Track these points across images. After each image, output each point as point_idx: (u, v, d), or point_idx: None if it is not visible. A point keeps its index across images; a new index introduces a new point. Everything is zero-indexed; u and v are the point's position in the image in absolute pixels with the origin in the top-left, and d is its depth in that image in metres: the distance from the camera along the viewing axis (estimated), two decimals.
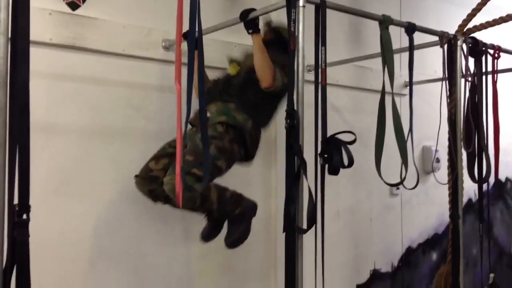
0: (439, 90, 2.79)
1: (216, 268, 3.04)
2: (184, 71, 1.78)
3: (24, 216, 1.43)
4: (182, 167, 1.69)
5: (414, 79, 2.60)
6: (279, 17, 2.65)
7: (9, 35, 1.44)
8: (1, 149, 1.41)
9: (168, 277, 2.86)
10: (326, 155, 2.09)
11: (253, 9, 2.33)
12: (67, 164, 2.50)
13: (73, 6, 2.54)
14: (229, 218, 2.44)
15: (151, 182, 2.40)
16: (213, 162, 2.25)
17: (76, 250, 2.54)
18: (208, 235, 2.50)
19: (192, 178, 2.14)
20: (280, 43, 2.59)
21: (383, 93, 2.39)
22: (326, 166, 2.11)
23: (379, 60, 2.53)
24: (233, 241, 2.44)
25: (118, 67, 2.68)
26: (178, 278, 2.90)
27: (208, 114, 2.42)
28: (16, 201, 1.44)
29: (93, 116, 2.60)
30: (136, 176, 2.44)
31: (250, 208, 2.49)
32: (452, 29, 3.19)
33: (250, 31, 2.36)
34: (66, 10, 2.51)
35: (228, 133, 2.39)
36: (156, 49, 2.78)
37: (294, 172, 2.03)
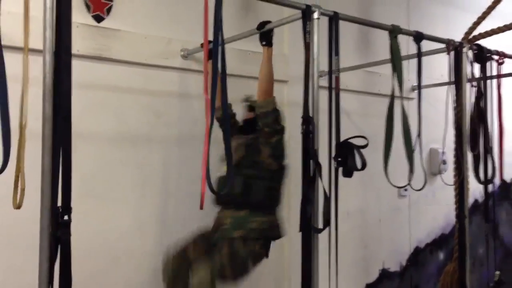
0: (445, 94, 2.91)
1: None
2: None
3: (66, 217, 1.56)
4: (207, 168, 1.81)
5: (421, 83, 2.72)
6: (292, 28, 2.78)
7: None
8: (47, 155, 1.54)
9: None
10: (340, 159, 2.21)
11: (269, 21, 2.47)
12: (94, 169, 2.63)
13: (98, 18, 2.68)
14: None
15: (179, 274, 2.51)
16: (243, 263, 2.44)
17: (103, 249, 2.67)
18: None
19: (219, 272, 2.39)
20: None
21: (392, 98, 2.52)
22: (340, 168, 2.24)
23: (387, 66, 2.66)
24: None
25: (140, 76, 2.82)
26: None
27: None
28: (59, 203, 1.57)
29: (118, 123, 2.74)
30: (173, 256, 2.56)
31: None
32: (460, 33, 3.32)
33: (263, 43, 2.50)
34: (92, 23, 2.65)
35: (246, 245, 2.47)
36: (175, 58, 2.92)
37: (310, 174, 2.16)
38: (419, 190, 2.64)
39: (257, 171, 2.48)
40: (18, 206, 1.48)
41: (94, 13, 2.68)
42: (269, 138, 2.46)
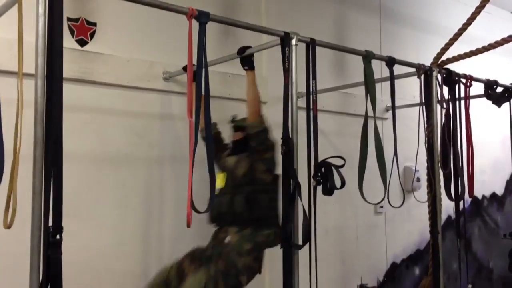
0: (417, 114, 3.05)
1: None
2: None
3: (58, 237, 1.61)
4: (191, 192, 1.87)
5: (395, 104, 2.86)
6: (270, 52, 2.89)
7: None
8: (38, 177, 1.60)
9: None
10: (319, 178, 2.31)
11: (249, 46, 2.57)
12: (76, 189, 2.67)
13: (82, 43, 2.75)
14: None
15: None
16: (237, 276, 2.46)
17: (84, 268, 2.69)
18: None
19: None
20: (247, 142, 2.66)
21: (366, 118, 2.64)
22: (320, 187, 2.33)
23: (362, 87, 2.78)
24: None
25: (123, 98, 2.89)
26: None
27: (227, 240, 2.60)
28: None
29: (100, 143, 2.80)
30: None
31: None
32: (430, 56, 3.47)
33: (246, 67, 2.61)
34: (75, 46, 2.72)
35: (254, 252, 2.53)
36: (157, 81, 3.00)
37: (290, 193, 2.24)
38: (398, 207, 2.75)
39: (255, 186, 2.57)
40: (8, 226, 1.52)
41: (78, 37, 2.75)
42: (263, 155, 2.56)
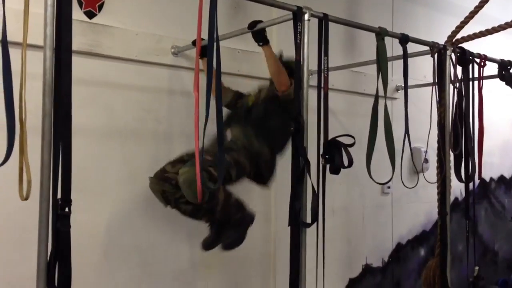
0: (427, 94, 3.00)
1: (219, 261, 3.21)
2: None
3: (66, 209, 1.61)
4: (201, 167, 1.86)
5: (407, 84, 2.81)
6: (280, 28, 2.84)
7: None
8: (47, 150, 1.58)
9: (175, 269, 3.03)
10: (327, 156, 2.28)
11: (260, 21, 2.52)
12: (84, 163, 2.65)
13: (90, 15, 2.71)
14: (229, 221, 2.63)
15: (164, 183, 2.56)
16: (226, 169, 2.46)
17: (91, 242, 2.70)
18: (209, 244, 2.69)
19: (206, 175, 2.33)
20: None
21: (376, 98, 2.59)
22: (328, 166, 2.31)
23: (371, 66, 2.73)
24: (229, 244, 2.68)
25: (131, 72, 2.85)
26: (184, 270, 3.07)
27: (229, 137, 2.66)
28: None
29: (108, 118, 2.77)
30: (151, 177, 2.61)
31: (248, 217, 2.72)
32: (442, 37, 3.41)
33: (260, 43, 2.55)
34: (83, 19, 2.68)
35: (245, 152, 2.61)
36: (166, 55, 2.95)
37: (299, 171, 2.22)
38: (412, 187, 2.73)
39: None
40: (25, 198, 1.52)
41: (86, 9, 2.70)
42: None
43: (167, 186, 2.54)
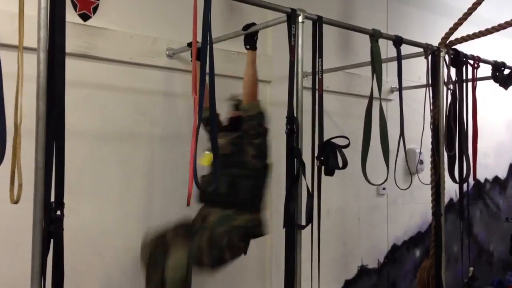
0: (422, 96, 3.01)
1: None
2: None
3: (59, 212, 1.61)
4: (195, 170, 1.85)
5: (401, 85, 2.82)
6: (275, 30, 2.85)
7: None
8: (41, 152, 1.58)
9: None
10: (322, 158, 2.29)
11: (254, 24, 2.53)
12: (78, 165, 2.66)
13: (85, 17, 2.71)
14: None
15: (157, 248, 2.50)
16: (220, 253, 2.44)
17: (86, 244, 2.70)
18: None
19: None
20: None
21: (370, 99, 2.60)
22: (323, 167, 2.31)
23: (366, 68, 2.74)
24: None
25: (125, 74, 2.85)
26: None
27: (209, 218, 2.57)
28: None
29: (102, 120, 2.77)
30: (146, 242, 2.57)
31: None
32: (436, 38, 3.42)
33: (247, 46, 2.56)
34: (78, 21, 2.68)
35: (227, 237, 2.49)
36: (161, 57, 2.96)
37: (294, 173, 2.22)
38: (405, 189, 2.73)
39: (242, 170, 2.52)
40: (15, 201, 1.51)
41: (81, 12, 2.70)
42: (253, 139, 2.52)
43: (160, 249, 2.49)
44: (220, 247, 2.44)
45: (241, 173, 2.51)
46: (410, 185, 2.76)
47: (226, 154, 2.52)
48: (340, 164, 2.30)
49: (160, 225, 2.66)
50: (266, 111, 2.59)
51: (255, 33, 2.54)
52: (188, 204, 2.13)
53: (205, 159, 2.56)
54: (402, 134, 2.72)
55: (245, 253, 2.59)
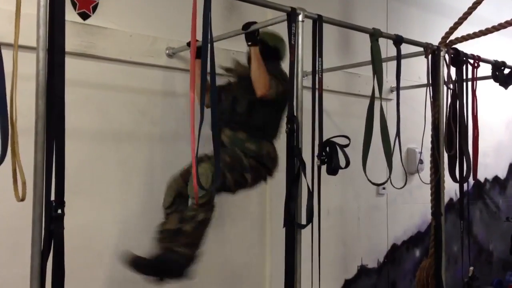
0: (422, 95, 3.01)
1: (214, 264, 3.20)
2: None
3: (60, 211, 1.60)
4: (197, 170, 1.85)
5: (400, 85, 2.82)
6: (274, 30, 2.84)
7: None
8: (40, 151, 1.58)
9: None
10: (324, 157, 2.28)
11: (254, 22, 2.52)
12: (78, 165, 2.65)
13: (84, 16, 2.70)
14: None
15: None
16: (242, 174, 2.57)
17: (85, 245, 2.69)
18: None
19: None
20: (267, 51, 2.70)
21: (372, 99, 2.60)
22: (324, 166, 2.30)
23: (366, 67, 2.73)
24: None
25: (125, 74, 2.85)
26: None
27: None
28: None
29: (102, 120, 2.77)
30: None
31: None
32: (436, 38, 3.42)
33: (249, 43, 2.56)
34: (77, 20, 2.67)
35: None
36: (161, 57, 2.95)
37: (294, 172, 2.22)
38: (400, 188, 2.73)
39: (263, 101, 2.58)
40: (21, 199, 1.51)
41: (80, 11, 2.70)
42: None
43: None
44: (241, 168, 2.55)
45: (267, 112, 2.63)
46: (405, 184, 2.75)
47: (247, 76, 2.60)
48: (343, 164, 2.29)
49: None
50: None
51: (255, 31, 2.53)
52: (197, 204, 2.16)
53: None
54: (398, 134, 2.71)
55: (265, 180, 2.73)
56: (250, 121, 2.65)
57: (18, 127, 1.55)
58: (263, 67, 2.56)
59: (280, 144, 2.53)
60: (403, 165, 2.73)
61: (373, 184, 2.55)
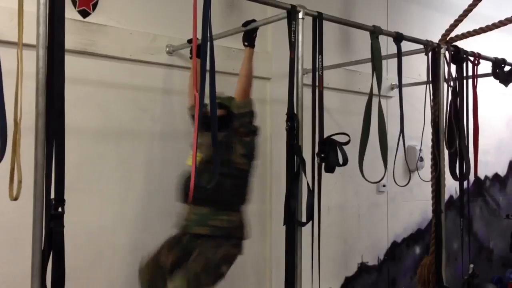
0: (422, 93, 3.01)
1: None
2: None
3: (60, 209, 1.60)
4: (197, 166, 1.85)
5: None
6: (275, 27, 2.84)
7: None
8: (40, 149, 1.58)
9: None
10: (323, 155, 2.28)
11: (254, 20, 2.52)
12: (78, 163, 2.65)
13: (84, 13, 2.70)
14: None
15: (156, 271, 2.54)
16: (217, 271, 2.50)
17: (86, 243, 2.69)
18: None
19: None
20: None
21: (370, 96, 2.60)
22: (323, 164, 2.31)
23: (367, 64, 2.73)
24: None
25: (125, 71, 2.85)
26: None
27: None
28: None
29: (102, 117, 2.77)
30: (142, 267, 2.59)
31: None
32: (436, 35, 3.42)
33: (246, 43, 2.56)
34: (77, 17, 2.67)
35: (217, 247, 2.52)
36: (161, 54, 2.95)
37: (294, 170, 2.22)
38: (404, 186, 2.72)
39: (227, 168, 2.46)
40: (15, 198, 1.51)
41: (80, 8, 2.69)
42: (243, 137, 2.53)
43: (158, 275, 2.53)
44: (216, 266, 2.47)
45: (225, 171, 2.39)
46: (409, 182, 2.75)
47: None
48: (341, 161, 2.29)
49: (162, 231, 2.67)
50: (256, 112, 2.58)
51: (255, 29, 2.53)
52: (190, 201, 2.15)
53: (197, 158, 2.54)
54: (402, 131, 2.71)
55: (240, 253, 2.61)
56: (214, 196, 2.44)
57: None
58: (251, 71, 2.59)
59: (278, 145, 2.52)
60: (407, 163, 2.72)
61: (368, 181, 2.54)
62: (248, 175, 2.62)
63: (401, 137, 2.72)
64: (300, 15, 2.26)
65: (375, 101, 2.61)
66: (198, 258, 2.45)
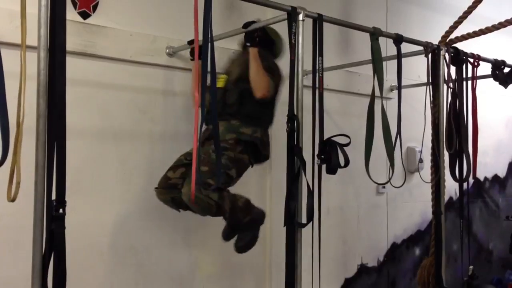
0: (422, 94, 3.01)
1: (215, 262, 3.21)
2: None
3: (61, 211, 1.60)
4: (197, 177, 1.86)
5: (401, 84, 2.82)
6: (277, 30, 2.84)
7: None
8: (41, 150, 1.58)
9: (170, 270, 3.02)
10: (323, 156, 2.29)
11: (254, 22, 2.53)
12: (78, 164, 2.65)
13: (84, 15, 2.70)
14: (239, 225, 2.62)
15: (171, 190, 2.59)
16: (225, 172, 2.47)
17: (86, 244, 2.69)
18: (227, 235, 2.70)
19: (208, 187, 2.35)
20: (264, 40, 2.70)
21: (372, 98, 2.60)
22: (323, 166, 2.31)
23: (366, 66, 2.73)
24: (241, 247, 2.68)
25: (125, 73, 2.85)
26: (178, 271, 3.07)
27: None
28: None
29: (102, 119, 2.77)
30: (156, 188, 2.64)
31: (258, 217, 2.70)
32: (436, 37, 3.42)
33: (248, 44, 2.56)
34: (78, 19, 2.67)
35: (239, 145, 2.58)
36: (161, 56, 2.95)
37: (295, 171, 2.22)
38: (399, 187, 2.73)
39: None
40: (12, 199, 1.51)
41: (80, 10, 2.70)
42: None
43: (175, 193, 2.57)
44: (226, 163, 2.48)
45: (259, 104, 2.58)
46: (404, 183, 2.75)
47: (242, 70, 2.61)
48: (342, 163, 2.29)
49: (163, 232, 2.67)
50: None
51: (256, 30, 2.53)
52: (193, 199, 2.15)
53: (219, 82, 2.66)
54: (399, 132, 2.72)
55: (252, 165, 2.68)
56: (244, 112, 2.62)
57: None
58: (261, 68, 2.56)
59: (279, 146, 2.52)
60: (403, 164, 2.73)
61: (376, 183, 2.55)
62: (274, 98, 2.69)
63: (398, 138, 2.71)
64: (301, 17, 2.27)
65: (376, 102, 2.61)
66: (205, 159, 2.45)
